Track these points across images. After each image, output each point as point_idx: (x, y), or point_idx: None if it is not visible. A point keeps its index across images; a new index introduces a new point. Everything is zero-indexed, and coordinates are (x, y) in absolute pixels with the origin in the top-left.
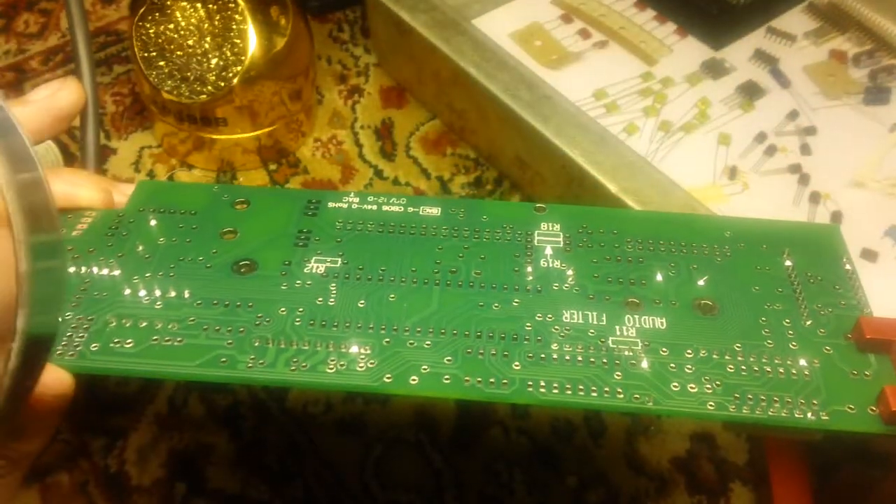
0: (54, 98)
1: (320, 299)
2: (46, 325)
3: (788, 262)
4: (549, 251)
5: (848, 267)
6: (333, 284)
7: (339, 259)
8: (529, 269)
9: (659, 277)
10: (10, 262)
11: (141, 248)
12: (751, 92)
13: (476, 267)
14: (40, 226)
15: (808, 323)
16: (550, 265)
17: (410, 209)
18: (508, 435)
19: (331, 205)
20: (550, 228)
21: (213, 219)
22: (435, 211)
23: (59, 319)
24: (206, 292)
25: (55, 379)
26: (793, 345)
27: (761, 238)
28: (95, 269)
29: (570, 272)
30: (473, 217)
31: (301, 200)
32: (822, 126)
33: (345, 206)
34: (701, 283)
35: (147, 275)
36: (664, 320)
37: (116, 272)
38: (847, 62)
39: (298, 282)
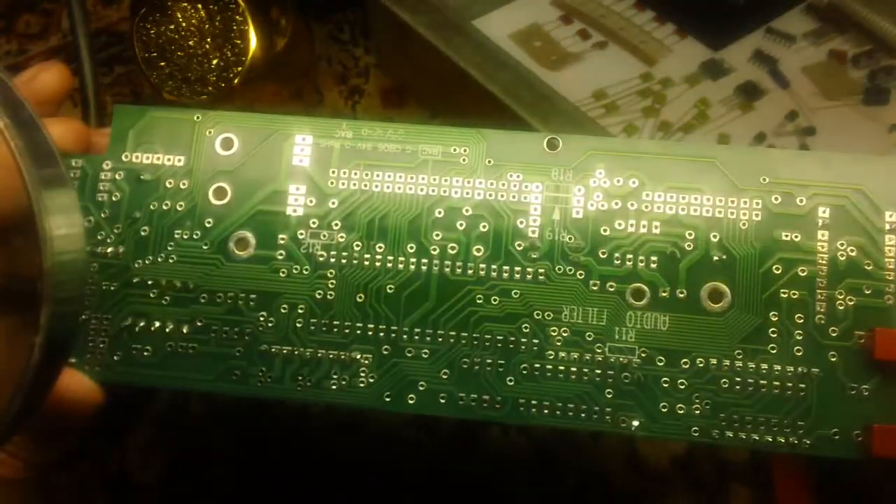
0: (35, 81)
1: (319, 292)
2: (68, 323)
3: (823, 232)
4: (556, 216)
5: (889, 236)
6: (331, 271)
7: (335, 233)
8: (534, 243)
9: (673, 252)
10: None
11: (137, 214)
12: (750, 92)
13: (476, 242)
14: (63, 220)
15: (822, 320)
16: (557, 237)
17: (409, 148)
18: (508, 434)
19: (324, 143)
20: (562, 177)
21: (201, 171)
22: (436, 151)
23: (80, 315)
24: (210, 283)
25: (84, 389)
26: (797, 350)
27: (801, 186)
28: (99, 249)
29: (576, 247)
30: (476, 161)
31: (289, 137)
32: (821, 126)
33: (337, 144)
34: (716, 258)
35: (149, 258)
36: (667, 318)
37: (121, 249)
38: (846, 63)
39: (296, 267)
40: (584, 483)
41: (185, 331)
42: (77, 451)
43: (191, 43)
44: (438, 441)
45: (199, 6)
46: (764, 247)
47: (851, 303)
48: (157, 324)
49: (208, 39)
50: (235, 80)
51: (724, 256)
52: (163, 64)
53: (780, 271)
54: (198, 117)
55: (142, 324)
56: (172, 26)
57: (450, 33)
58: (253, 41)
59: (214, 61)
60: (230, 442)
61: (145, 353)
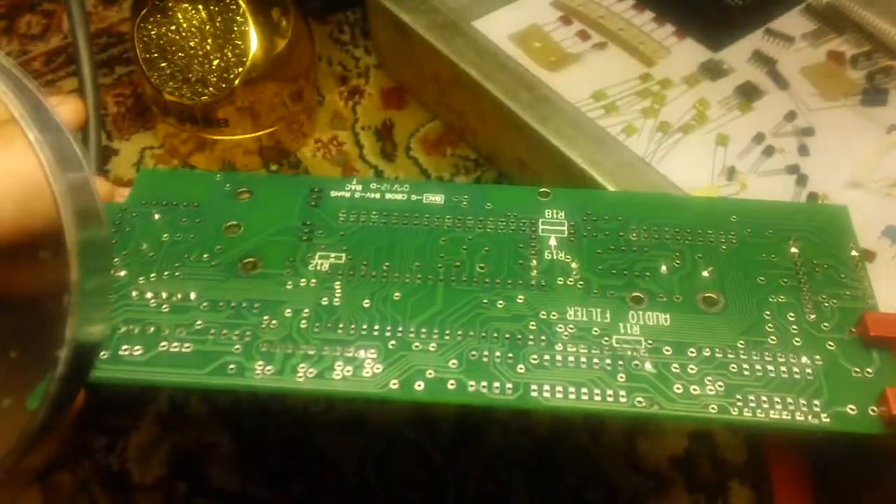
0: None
1: (325, 299)
2: (94, 332)
3: (794, 249)
4: (553, 242)
5: (854, 253)
6: (338, 282)
7: (343, 255)
8: (534, 262)
9: (663, 269)
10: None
11: (145, 245)
12: (749, 93)
13: (480, 261)
14: (89, 227)
15: (812, 317)
16: (555, 257)
17: (414, 197)
18: (508, 433)
19: (333, 194)
20: (555, 216)
21: (216, 212)
22: (438, 199)
23: (106, 326)
24: (212, 293)
25: None
26: (796, 341)
27: (767, 223)
28: None
29: (574, 265)
30: (477, 205)
31: (303, 190)
32: (819, 127)
33: (347, 194)
34: (705, 273)
35: (152, 276)
36: (668, 316)
37: (122, 272)
38: (845, 63)
39: (303, 280)
40: (584, 483)
41: (181, 334)
42: (77, 450)
43: (192, 44)
44: (438, 441)
45: (200, 7)
46: (746, 264)
47: (836, 304)
48: (152, 329)
49: (209, 40)
50: (236, 81)
51: (711, 270)
52: (164, 65)
53: (764, 282)
54: (218, 177)
55: (136, 330)
56: (173, 27)
57: (450, 34)
58: (254, 42)
59: (215, 62)
60: (230, 441)
61: (135, 352)
